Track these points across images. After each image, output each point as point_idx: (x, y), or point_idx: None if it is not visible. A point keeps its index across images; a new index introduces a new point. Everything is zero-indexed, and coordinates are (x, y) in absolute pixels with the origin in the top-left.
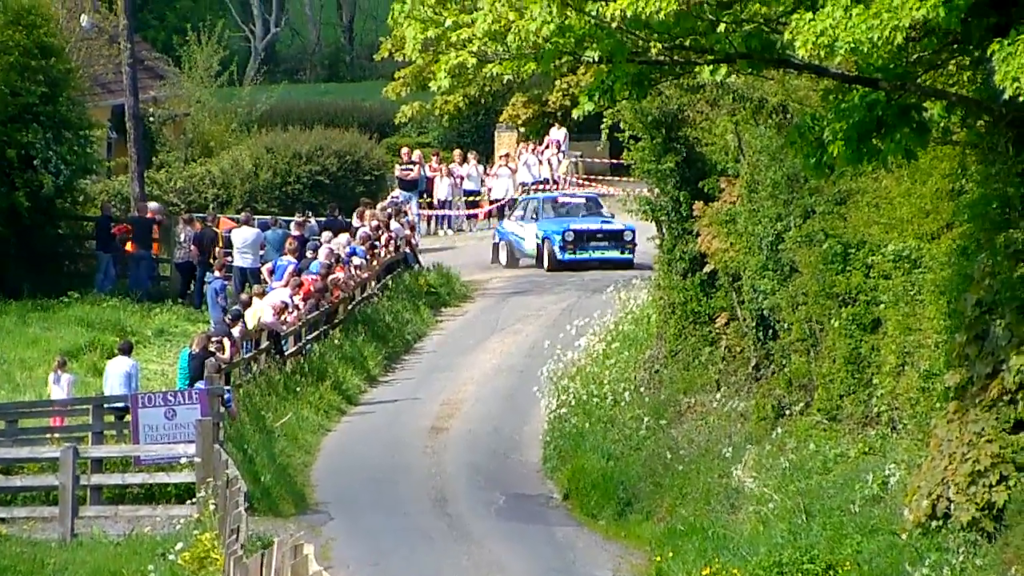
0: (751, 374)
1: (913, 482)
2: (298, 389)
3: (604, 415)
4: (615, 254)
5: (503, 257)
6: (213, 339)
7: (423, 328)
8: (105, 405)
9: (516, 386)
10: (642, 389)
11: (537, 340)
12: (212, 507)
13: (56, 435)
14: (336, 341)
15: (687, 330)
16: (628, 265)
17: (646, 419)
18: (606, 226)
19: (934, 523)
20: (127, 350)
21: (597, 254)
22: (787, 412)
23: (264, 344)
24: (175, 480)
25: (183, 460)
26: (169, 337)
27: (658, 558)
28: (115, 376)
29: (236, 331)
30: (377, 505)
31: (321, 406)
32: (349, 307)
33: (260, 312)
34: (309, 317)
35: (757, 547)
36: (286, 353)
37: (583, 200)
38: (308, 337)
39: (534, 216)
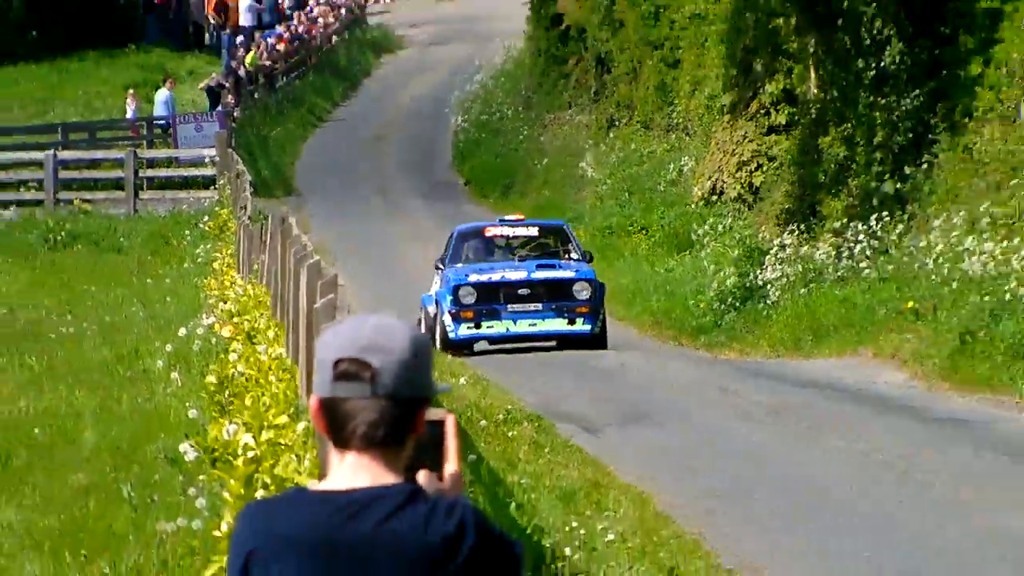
0: (592, 98)
1: (699, 170)
2: (284, 111)
3: (494, 127)
4: (556, 326)
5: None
6: (224, 79)
7: (370, 68)
8: (154, 122)
9: (434, 109)
10: (520, 109)
11: (447, 77)
12: (228, 192)
13: (123, 143)
14: (311, 78)
15: (549, 68)
16: (590, 342)
17: (524, 129)
18: (539, 272)
19: (713, 197)
20: (165, 84)
21: (522, 326)
22: (616, 124)
23: (261, 81)
24: (202, 174)
25: (207, 160)
26: (199, 76)
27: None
28: (160, 104)
29: (241, 73)
30: (339, 191)
31: (300, 122)
32: (320, 53)
33: (256, 57)
34: (291, 60)
35: (595, 216)
36: (276, 87)
37: (534, 231)
38: (291, 76)
39: (449, 257)
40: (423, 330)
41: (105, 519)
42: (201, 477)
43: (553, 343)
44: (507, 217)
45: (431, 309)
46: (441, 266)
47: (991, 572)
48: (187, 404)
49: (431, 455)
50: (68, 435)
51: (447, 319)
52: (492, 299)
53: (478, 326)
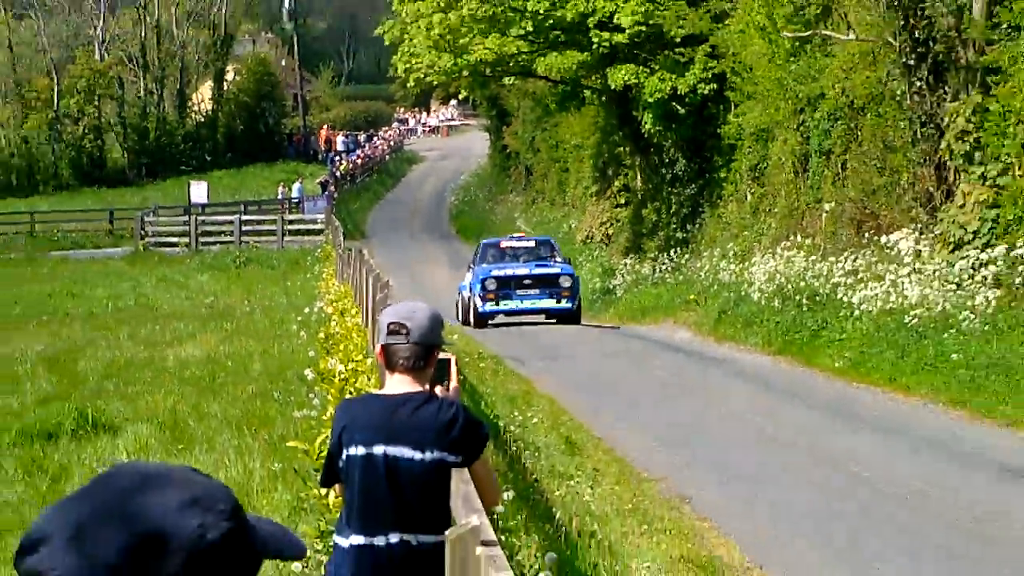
0: (522, 188)
1: (579, 227)
2: (360, 195)
3: (471, 203)
4: (548, 303)
5: (459, 314)
6: (329, 178)
7: (406, 172)
8: (292, 200)
9: (439, 194)
10: (485, 194)
11: (448, 177)
12: (330, 237)
13: (276, 211)
14: (374, 177)
15: (499, 173)
16: (570, 317)
17: (486, 204)
18: (538, 270)
19: (587, 241)
20: (298, 180)
21: (527, 304)
22: (536, 202)
23: (348, 179)
24: (317, 227)
25: (319, 220)
26: (315, 176)
27: None
28: (295, 190)
29: (338, 175)
30: (390, 235)
31: (369, 200)
32: (380, 164)
33: (346, 167)
34: (365, 168)
35: None
36: (356, 182)
37: (532, 243)
38: (364, 176)
39: (477, 260)
40: (460, 307)
41: (265, 409)
42: (316, 388)
43: (543, 316)
44: (514, 235)
45: (466, 294)
46: (472, 265)
47: (741, 430)
48: (309, 349)
49: (443, 378)
50: (245, 365)
51: (477, 300)
52: (506, 286)
53: (497, 303)
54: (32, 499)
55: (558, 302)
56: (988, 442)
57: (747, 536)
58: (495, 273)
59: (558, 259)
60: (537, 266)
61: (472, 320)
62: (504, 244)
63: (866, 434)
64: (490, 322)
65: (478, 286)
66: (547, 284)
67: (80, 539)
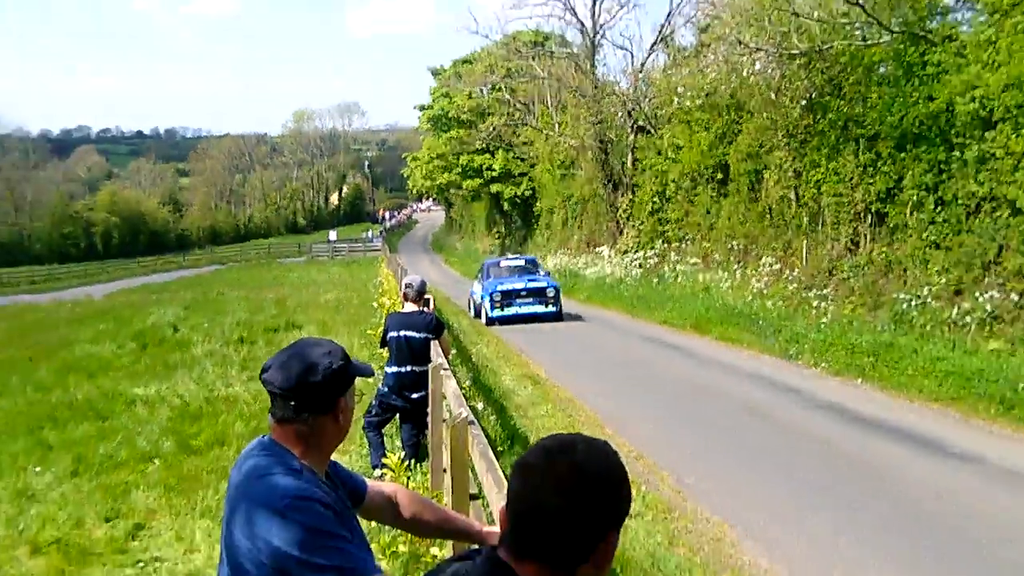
0: (459, 231)
1: (480, 247)
2: (395, 236)
3: (439, 238)
4: (539, 308)
5: (472, 310)
6: (383, 229)
7: (413, 227)
8: (368, 238)
9: (426, 235)
10: (444, 235)
11: (429, 229)
12: (383, 252)
13: (361, 242)
14: (402, 229)
15: (450, 227)
16: (554, 317)
17: (445, 240)
18: (531, 284)
19: (483, 253)
20: (371, 230)
21: (524, 309)
22: (464, 237)
23: (393, 230)
24: (377, 248)
25: (380, 245)
26: (378, 229)
27: (461, 266)
28: (368, 233)
29: (387, 227)
30: (407, 251)
31: (398, 238)
32: (404, 224)
33: (392, 225)
34: (396, 225)
35: (464, 261)
36: (394, 230)
37: (522, 262)
38: (398, 229)
39: (484, 276)
40: (472, 307)
41: (360, 319)
42: (378, 309)
43: (536, 318)
44: (509, 255)
45: (476, 299)
46: (480, 278)
47: (547, 329)
48: (375, 295)
49: (428, 304)
50: (347, 303)
51: (487, 306)
52: (508, 296)
53: (503, 310)
54: (269, 355)
55: (546, 307)
56: (646, 330)
57: (551, 368)
58: (500, 288)
59: (542, 273)
60: (530, 281)
61: (484, 320)
62: (503, 263)
63: (597, 328)
64: (497, 324)
65: (488, 297)
66: (537, 295)
67: (283, 366)
